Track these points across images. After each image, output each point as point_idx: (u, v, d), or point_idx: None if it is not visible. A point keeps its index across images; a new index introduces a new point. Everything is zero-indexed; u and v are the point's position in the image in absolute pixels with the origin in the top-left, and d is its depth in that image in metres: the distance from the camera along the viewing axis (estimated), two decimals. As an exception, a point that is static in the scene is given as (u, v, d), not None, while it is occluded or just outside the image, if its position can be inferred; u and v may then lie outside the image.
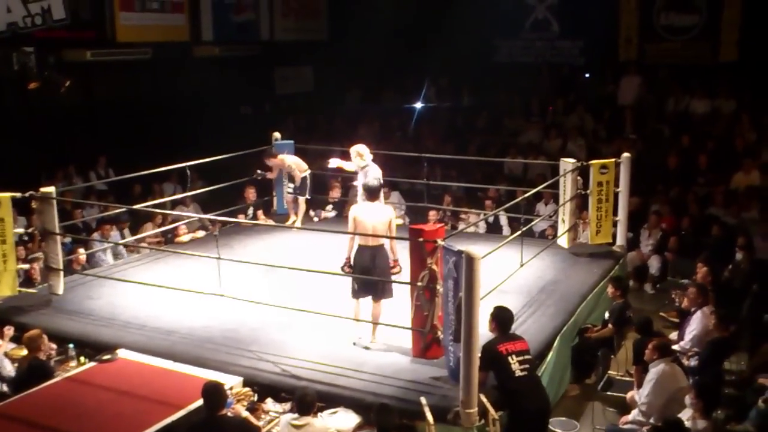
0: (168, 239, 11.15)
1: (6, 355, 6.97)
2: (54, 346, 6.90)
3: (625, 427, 6.77)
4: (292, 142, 10.99)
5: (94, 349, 6.99)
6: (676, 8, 16.29)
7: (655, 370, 6.65)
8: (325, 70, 18.24)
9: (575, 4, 16.90)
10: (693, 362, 7.57)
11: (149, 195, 12.00)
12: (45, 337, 6.73)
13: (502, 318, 6.28)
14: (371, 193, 7.26)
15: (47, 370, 6.58)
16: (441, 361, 6.41)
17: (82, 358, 6.93)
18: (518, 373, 5.97)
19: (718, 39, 15.80)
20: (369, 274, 6.98)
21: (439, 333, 6.39)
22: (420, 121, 17.14)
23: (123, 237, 10.97)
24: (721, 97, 14.96)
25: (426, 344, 6.51)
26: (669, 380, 6.63)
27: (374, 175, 8.11)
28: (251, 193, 11.39)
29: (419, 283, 6.36)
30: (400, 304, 6.75)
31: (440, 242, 6.27)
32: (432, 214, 11.57)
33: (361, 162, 8.49)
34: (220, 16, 15.92)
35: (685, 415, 6.39)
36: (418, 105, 17.71)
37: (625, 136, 14.48)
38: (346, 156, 8.96)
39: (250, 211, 11.40)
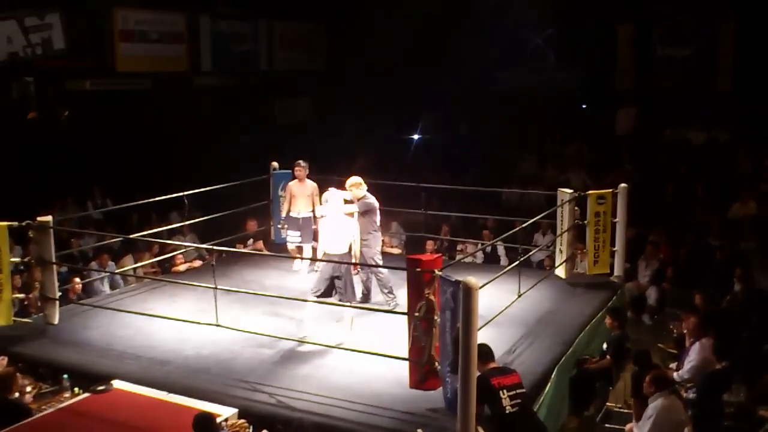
0: (165, 269, 11.11)
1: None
2: (26, 381, 6.77)
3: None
4: (290, 171, 10.99)
5: (89, 379, 6.92)
6: (671, 40, 16.47)
7: (653, 406, 6.57)
8: (324, 100, 18.35)
9: (572, 35, 17.07)
10: (691, 394, 7.50)
11: (146, 224, 11.98)
12: (18, 375, 6.59)
13: (480, 352, 6.20)
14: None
15: (17, 410, 6.28)
16: (438, 392, 6.35)
17: (76, 389, 6.87)
18: (509, 409, 5.90)
19: (713, 70, 15.95)
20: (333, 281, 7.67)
21: (437, 364, 6.34)
22: (418, 152, 17.23)
23: (120, 267, 10.93)
24: (717, 127, 15.06)
25: (423, 375, 6.45)
26: (669, 414, 6.56)
27: (365, 202, 8.61)
28: (252, 225, 11.37)
29: (416, 314, 6.33)
30: (397, 334, 6.71)
31: (438, 272, 6.25)
32: (429, 244, 11.57)
33: (359, 192, 8.58)
34: (219, 46, 16.06)
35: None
36: (416, 135, 17.82)
37: (622, 167, 14.53)
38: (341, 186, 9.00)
39: (250, 241, 11.37)
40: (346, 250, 7.84)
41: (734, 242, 11.62)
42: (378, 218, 8.91)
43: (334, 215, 7.94)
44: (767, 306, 9.53)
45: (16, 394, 6.55)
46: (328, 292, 7.76)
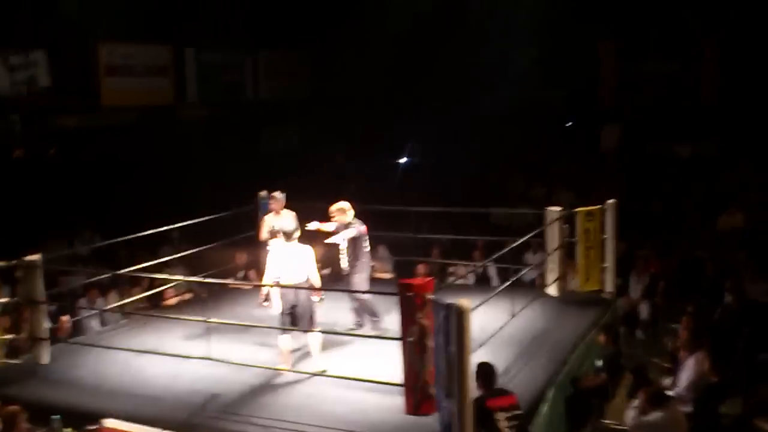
0: (155, 303, 11.04)
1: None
2: (28, 426, 6.70)
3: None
4: (278, 201, 10.98)
5: (81, 419, 6.83)
6: (654, 55, 16.62)
7: (653, 420, 6.57)
8: (310, 127, 18.40)
9: (555, 54, 17.20)
10: (688, 408, 7.49)
11: (136, 259, 11.92)
12: (23, 416, 6.48)
13: (485, 373, 6.22)
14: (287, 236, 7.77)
15: None
16: (434, 417, 6.30)
17: (67, 430, 6.77)
18: (506, 431, 5.88)
19: (697, 84, 16.11)
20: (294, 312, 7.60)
21: (431, 389, 6.31)
22: (406, 175, 17.27)
23: (109, 303, 10.85)
24: (702, 141, 15.18)
25: (418, 401, 6.40)
26: (667, 428, 6.56)
27: (356, 228, 8.50)
28: (241, 257, 11.32)
29: (409, 339, 6.30)
30: (391, 359, 6.68)
31: (429, 296, 6.24)
32: (421, 268, 11.55)
33: (345, 218, 8.55)
34: (205, 77, 16.11)
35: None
36: (404, 159, 17.87)
37: (609, 183, 14.61)
38: (324, 218, 8.99)
39: (240, 273, 11.32)
40: (304, 280, 7.73)
41: (723, 254, 11.66)
42: (367, 244, 8.89)
43: (289, 244, 7.83)
44: (759, 316, 9.57)
45: None
46: (293, 321, 7.67)
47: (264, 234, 9.71)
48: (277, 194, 9.75)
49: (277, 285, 7.90)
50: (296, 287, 7.62)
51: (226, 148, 16.34)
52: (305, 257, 7.78)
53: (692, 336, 8.04)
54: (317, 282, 7.87)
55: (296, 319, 7.64)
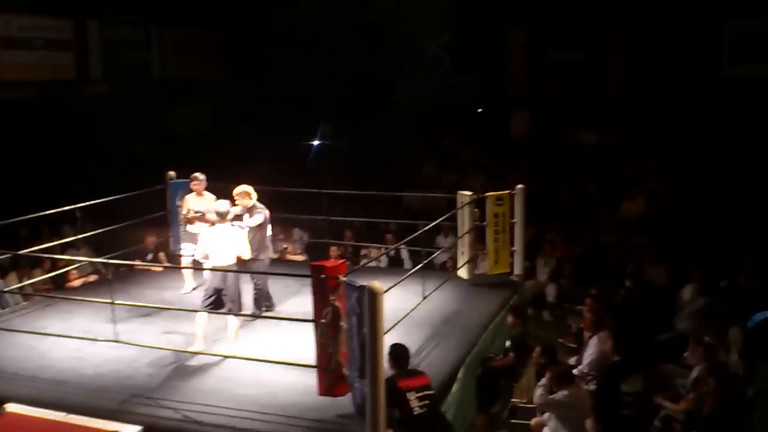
0: (58, 285, 10.66)
1: None
2: None
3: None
4: (187, 181, 10.75)
5: (-20, 405, 6.56)
6: (563, 45, 17.02)
7: (559, 398, 6.78)
8: (222, 108, 18.04)
9: (467, 41, 17.41)
10: (592, 386, 7.78)
11: (37, 239, 11.47)
12: None
13: (398, 355, 6.30)
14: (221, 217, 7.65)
15: None
16: (347, 398, 6.33)
17: (-34, 416, 6.50)
18: (417, 410, 5.96)
19: (603, 75, 16.60)
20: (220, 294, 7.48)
21: (345, 370, 6.33)
22: (318, 158, 17.18)
23: (9, 284, 10.42)
24: (606, 130, 15.68)
25: (331, 382, 6.42)
26: (573, 405, 6.78)
27: (264, 213, 8.46)
28: (151, 240, 11.04)
29: (322, 320, 6.30)
30: (304, 341, 6.67)
31: (342, 278, 6.24)
32: (333, 250, 11.55)
33: (248, 202, 8.43)
34: (109, 53, 15.56)
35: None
36: (316, 142, 17.77)
37: (518, 169, 14.94)
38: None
39: (149, 256, 11.05)
40: (233, 261, 7.66)
41: (626, 239, 12.11)
42: (270, 228, 8.81)
43: (221, 226, 7.72)
44: (658, 299, 10.01)
45: None
46: (218, 305, 7.57)
47: (183, 214, 9.46)
48: (199, 175, 9.52)
49: (196, 267, 7.75)
50: (224, 270, 7.49)
51: (132, 127, 15.84)
52: (236, 239, 7.67)
53: (595, 317, 8.33)
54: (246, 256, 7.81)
55: (221, 302, 7.52)
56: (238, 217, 8.39)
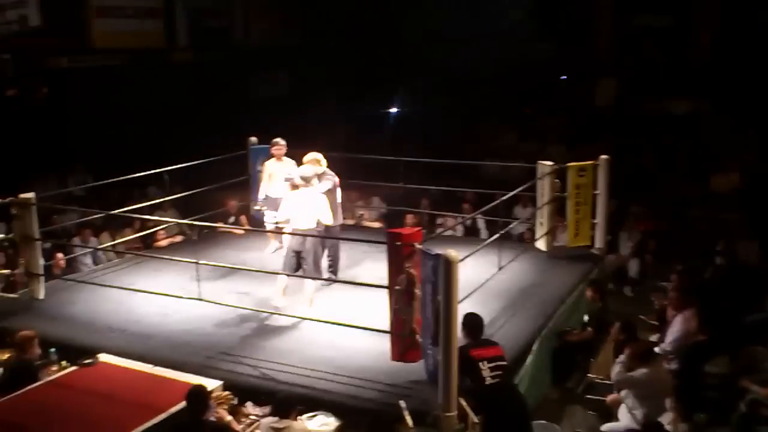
0: (147, 244, 11.09)
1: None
2: (39, 351, 6.84)
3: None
4: (268, 146, 10.94)
5: (75, 353, 6.93)
6: (651, 9, 16.35)
7: (638, 376, 6.66)
8: (300, 74, 18.20)
9: (550, 5, 16.96)
10: (674, 365, 7.60)
11: (128, 200, 11.92)
12: (37, 340, 6.71)
13: (472, 325, 6.29)
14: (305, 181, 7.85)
15: (32, 371, 6.54)
16: (420, 364, 6.40)
17: (63, 363, 6.89)
18: (488, 380, 5.94)
19: (694, 39, 15.90)
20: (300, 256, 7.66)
21: (418, 337, 6.39)
22: (397, 126, 17.16)
23: (102, 242, 10.90)
24: (698, 98, 15.05)
25: (405, 348, 6.49)
26: (652, 383, 6.65)
27: (333, 180, 8.61)
28: (233, 204, 11.31)
29: (397, 287, 6.36)
30: (378, 307, 6.75)
31: (418, 246, 6.27)
32: (409, 218, 11.58)
33: (318, 168, 8.52)
34: (194, 21, 15.90)
35: (666, 419, 6.43)
36: (394, 109, 17.74)
37: (603, 138, 14.57)
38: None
39: (231, 219, 11.34)
40: (314, 226, 7.78)
41: (717, 214, 11.67)
42: (339, 195, 8.90)
43: (306, 190, 7.85)
44: (749, 278, 9.64)
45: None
46: (297, 267, 7.75)
47: (264, 178, 9.67)
48: (280, 140, 9.68)
49: (279, 231, 7.90)
50: (304, 234, 7.63)
51: (215, 93, 16.20)
52: (317, 204, 7.81)
53: (681, 294, 8.10)
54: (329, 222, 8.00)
55: (300, 264, 7.72)
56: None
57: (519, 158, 13.75)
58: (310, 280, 7.75)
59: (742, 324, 8.55)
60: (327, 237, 8.32)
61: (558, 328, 8.04)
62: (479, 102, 16.72)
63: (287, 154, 9.67)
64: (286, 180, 8.40)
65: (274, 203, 9.16)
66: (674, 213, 12.05)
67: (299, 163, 8.68)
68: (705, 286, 9.47)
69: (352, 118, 17.29)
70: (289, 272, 7.75)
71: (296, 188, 7.90)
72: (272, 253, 9.66)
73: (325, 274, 8.45)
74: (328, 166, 8.83)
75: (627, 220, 11.89)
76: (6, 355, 7.02)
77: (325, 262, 8.44)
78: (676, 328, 7.87)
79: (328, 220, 7.98)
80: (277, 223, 8.56)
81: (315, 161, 8.58)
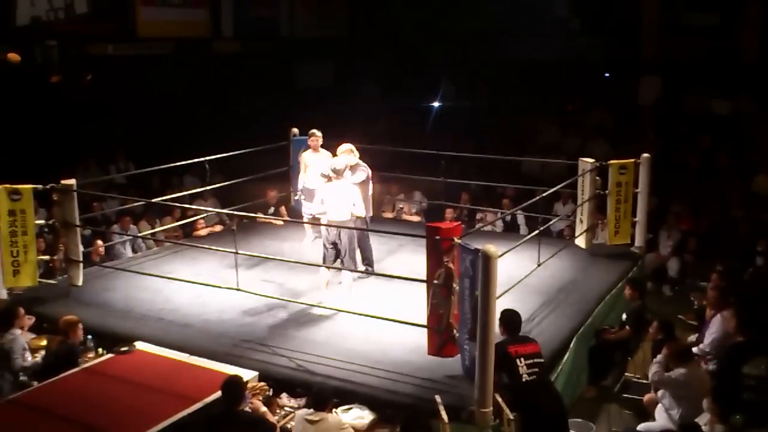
0: (186, 233, 11.20)
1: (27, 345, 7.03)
2: (82, 337, 6.95)
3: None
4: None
5: (112, 340, 7.03)
6: (698, 7, 16.11)
7: (675, 376, 6.58)
8: (344, 65, 18.23)
9: (596, 1, 16.77)
10: (711, 366, 7.49)
11: (168, 188, 12.06)
12: (81, 325, 6.83)
13: (510, 321, 6.28)
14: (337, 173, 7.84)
15: (75, 355, 6.66)
16: (456, 359, 6.39)
17: (100, 350, 6.99)
18: (525, 377, 5.94)
19: (740, 39, 15.65)
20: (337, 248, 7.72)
21: (455, 331, 6.37)
22: (438, 119, 17.11)
23: (141, 230, 11.04)
24: (742, 98, 14.81)
25: (441, 342, 6.49)
26: (690, 384, 6.56)
27: (366, 172, 8.64)
28: (273, 194, 11.38)
29: (435, 281, 6.35)
30: (415, 301, 6.75)
31: (457, 240, 6.25)
32: (449, 213, 11.55)
33: (351, 160, 8.52)
34: (240, 11, 15.99)
35: (703, 420, 6.35)
36: (437, 103, 17.69)
37: (645, 137, 14.37)
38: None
39: (271, 209, 11.41)
40: (348, 218, 7.78)
41: (758, 214, 11.49)
42: (371, 187, 8.90)
43: (339, 181, 7.85)
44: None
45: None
46: (333, 259, 7.79)
47: (302, 169, 9.74)
48: (316, 131, 9.75)
49: (315, 223, 7.92)
50: (338, 226, 7.67)
51: (259, 84, 16.29)
52: (351, 195, 7.81)
53: (720, 294, 7.98)
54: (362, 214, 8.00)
55: (337, 256, 7.76)
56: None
57: (560, 154, 13.66)
58: (347, 272, 7.76)
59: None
60: (360, 229, 8.31)
61: (596, 326, 7.98)
62: (522, 97, 16.60)
63: (326, 146, 9.69)
64: (322, 175, 8.44)
65: (310, 194, 9.20)
66: (715, 213, 11.86)
67: (335, 154, 8.70)
68: (744, 286, 9.31)
69: (395, 110, 17.27)
70: (329, 264, 7.78)
71: (329, 180, 7.91)
72: (310, 244, 9.70)
73: (361, 267, 8.46)
74: (367, 159, 8.83)
75: (667, 218, 11.74)
76: (43, 342, 7.14)
77: (358, 255, 8.44)
78: (714, 328, 7.76)
79: (362, 211, 7.97)
80: (312, 215, 8.61)
81: (348, 151, 8.61)
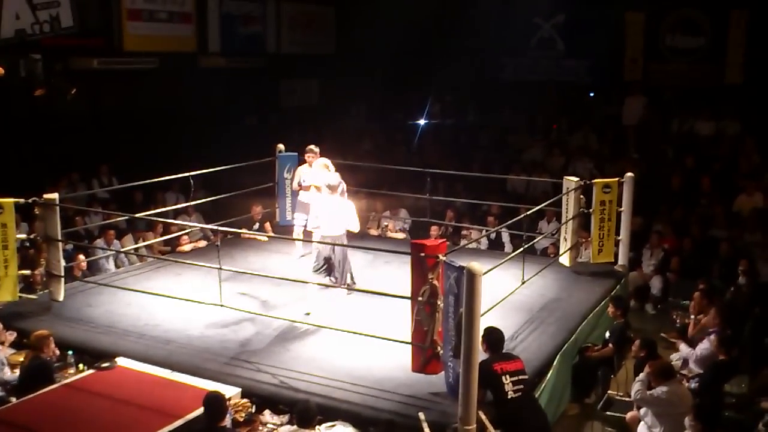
0: (170, 248, 11.14)
1: (5, 360, 6.95)
2: (57, 352, 6.88)
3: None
4: (296, 154, 10.98)
5: (93, 356, 6.97)
6: (681, 30, 16.36)
7: (658, 394, 6.60)
8: (330, 83, 18.29)
9: (581, 23, 16.97)
10: (693, 384, 7.52)
11: (151, 204, 12.01)
12: (52, 339, 6.75)
13: (492, 338, 6.27)
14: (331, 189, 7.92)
15: (48, 371, 6.59)
16: (440, 376, 6.38)
17: (80, 365, 6.92)
18: (511, 394, 5.94)
19: (723, 61, 15.88)
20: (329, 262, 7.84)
21: (439, 348, 6.36)
22: (424, 137, 17.19)
23: (125, 245, 10.97)
24: (725, 119, 14.98)
25: (425, 359, 6.48)
26: (672, 402, 6.58)
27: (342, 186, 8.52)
28: (257, 210, 11.36)
29: (420, 298, 6.35)
30: (400, 318, 6.74)
31: (442, 257, 6.26)
32: (434, 230, 11.57)
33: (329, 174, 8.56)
34: (227, 27, 16.01)
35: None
36: (423, 121, 17.77)
37: (628, 156, 14.49)
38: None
39: (255, 225, 11.39)
40: (342, 233, 7.82)
41: (739, 234, 11.60)
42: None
43: (332, 197, 7.89)
44: (771, 299, 9.53)
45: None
46: (327, 270, 7.82)
47: (295, 185, 9.81)
48: (314, 147, 9.78)
49: (298, 239, 7.91)
50: (329, 243, 7.72)
51: (244, 100, 16.30)
52: (345, 211, 7.85)
53: (718, 313, 8.05)
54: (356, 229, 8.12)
55: (328, 271, 7.80)
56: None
57: (545, 172, 13.75)
58: (336, 288, 7.76)
59: (762, 345, 8.47)
60: (356, 247, 8.34)
61: (579, 344, 8.00)
62: (507, 116, 16.75)
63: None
64: (314, 186, 8.47)
65: (303, 208, 9.27)
66: (698, 232, 11.95)
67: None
68: (727, 306, 9.35)
69: (380, 128, 17.34)
70: (319, 280, 7.77)
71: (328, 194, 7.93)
72: (298, 259, 9.70)
73: (349, 280, 8.46)
74: (352, 176, 8.86)
75: (650, 237, 11.82)
76: (22, 358, 7.07)
77: (347, 269, 8.43)
78: (704, 346, 7.81)
79: (355, 227, 7.99)
80: (306, 229, 8.66)
81: (323, 167, 8.60)
